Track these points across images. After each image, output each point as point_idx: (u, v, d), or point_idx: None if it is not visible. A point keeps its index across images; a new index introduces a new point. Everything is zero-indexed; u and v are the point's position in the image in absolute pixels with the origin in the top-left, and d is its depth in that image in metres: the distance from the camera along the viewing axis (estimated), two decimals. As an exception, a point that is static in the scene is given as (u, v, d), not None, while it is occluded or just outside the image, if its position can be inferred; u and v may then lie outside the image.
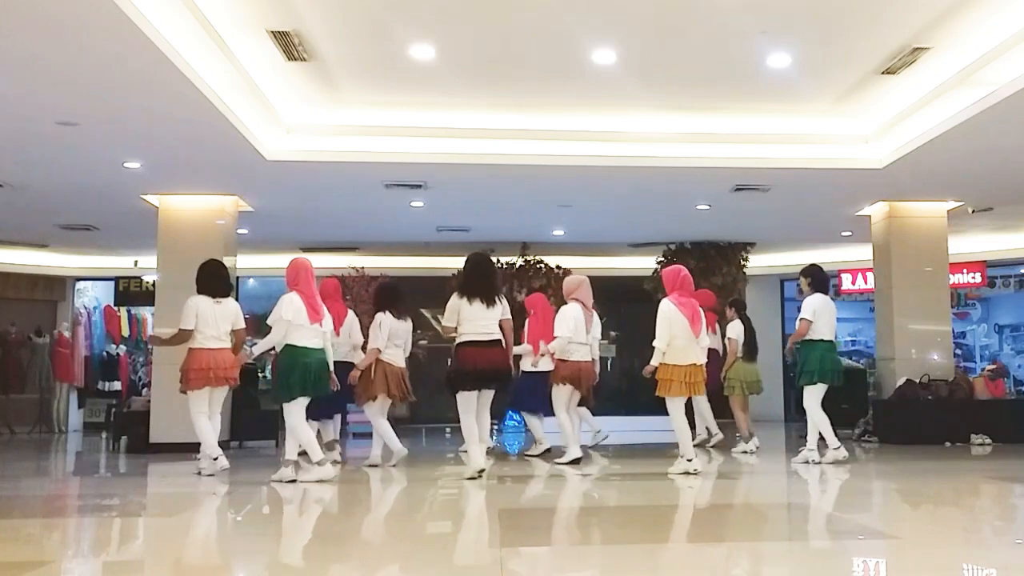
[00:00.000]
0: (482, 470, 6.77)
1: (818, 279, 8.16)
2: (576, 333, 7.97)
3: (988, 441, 9.69)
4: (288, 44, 6.92)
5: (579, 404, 8.57)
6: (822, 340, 7.92)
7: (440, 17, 6.59)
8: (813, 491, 6.84)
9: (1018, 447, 9.24)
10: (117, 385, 14.61)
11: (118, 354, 14.88)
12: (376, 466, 7.83)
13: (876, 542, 4.63)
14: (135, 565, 4.37)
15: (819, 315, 7.93)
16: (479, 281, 6.89)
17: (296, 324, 6.67)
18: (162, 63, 5.99)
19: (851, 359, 13.84)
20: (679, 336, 6.94)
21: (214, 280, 7.53)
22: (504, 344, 6.94)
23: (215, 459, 7.21)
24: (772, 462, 8.22)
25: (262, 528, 5.44)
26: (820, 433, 7.88)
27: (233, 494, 6.54)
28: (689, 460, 7.00)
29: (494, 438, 10.05)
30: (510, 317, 7.03)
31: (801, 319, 7.98)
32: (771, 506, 6.28)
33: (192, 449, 7.71)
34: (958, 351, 13.83)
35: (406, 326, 7.96)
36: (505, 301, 7.03)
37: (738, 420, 9.25)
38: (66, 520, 5.81)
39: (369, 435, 7.96)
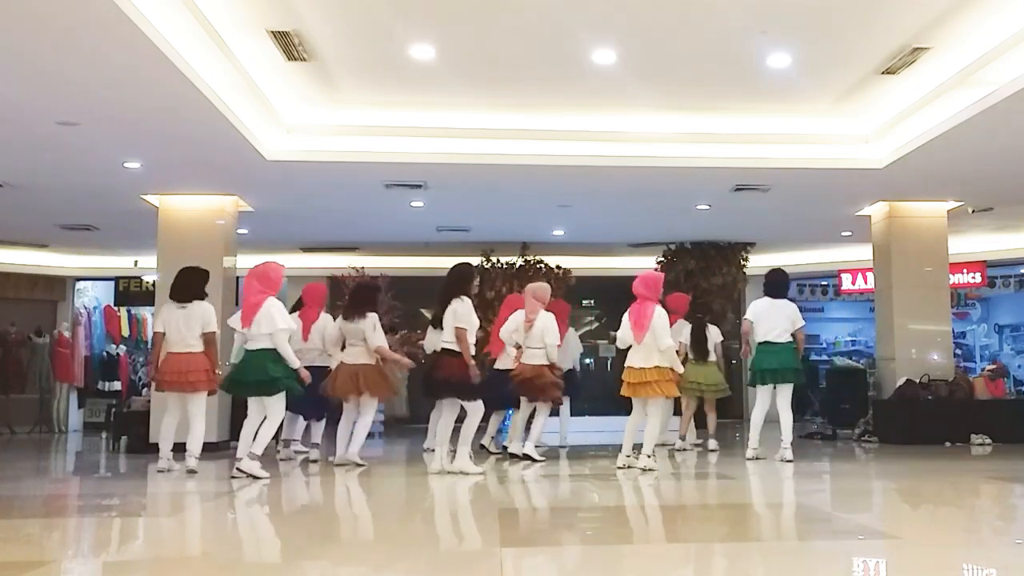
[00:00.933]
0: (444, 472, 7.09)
1: (769, 282, 8.46)
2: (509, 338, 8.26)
3: (988, 441, 9.69)
4: (288, 44, 6.92)
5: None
6: (760, 342, 8.24)
7: (440, 17, 6.59)
8: (813, 491, 6.84)
9: (1018, 447, 9.23)
10: (117, 385, 14.61)
11: (118, 354, 14.87)
12: (360, 465, 7.83)
13: (876, 542, 4.63)
14: (135, 565, 4.36)
15: (759, 316, 8.26)
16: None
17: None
18: (162, 63, 5.99)
19: (851, 359, 13.85)
20: (625, 340, 7.42)
21: (179, 285, 7.62)
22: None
23: (166, 460, 7.51)
24: (772, 462, 8.21)
25: (261, 528, 5.44)
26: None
27: (233, 494, 6.54)
28: (627, 456, 7.50)
29: (492, 438, 10.00)
30: (462, 325, 7.05)
31: (744, 319, 8.44)
32: (771, 506, 6.28)
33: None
34: (958, 351, 13.83)
35: (356, 326, 7.92)
36: (455, 308, 7.09)
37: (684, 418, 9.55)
38: (66, 520, 5.81)
39: (370, 435, 8.00)
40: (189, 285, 7.61)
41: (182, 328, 7.44)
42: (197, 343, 7.46)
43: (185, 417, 7.55)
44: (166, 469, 7.44)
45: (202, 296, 7.67)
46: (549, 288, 8.67)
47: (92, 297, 15.42)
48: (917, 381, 10.15)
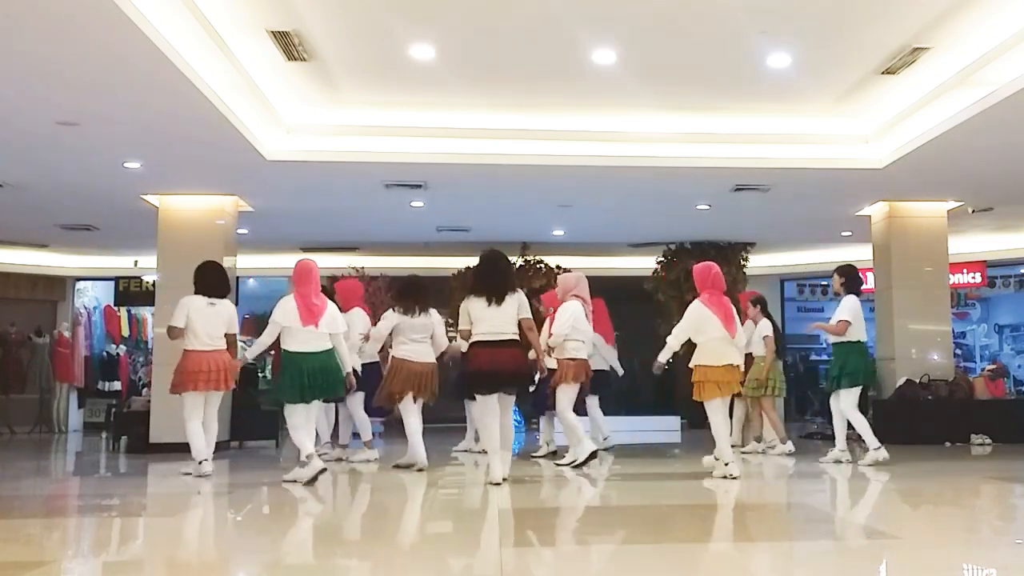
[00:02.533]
0: (498, 483, 6.40)
1: (853, 279, 8.07)
2: (575, 330, 7.69)
3: (988, 441, 9.68)
4: (288, 44, 6.92)
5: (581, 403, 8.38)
6: (859, 342, 7.88)
7: (440, 17, 6.58)
8: (813, 491, 6.84)
9: (1018, 447, 9.24)
10: (117, 385, 14.61)
11: (118, 354, 14.88)
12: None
13: (876, 542, 4.63)
14: (135, 565, 4.37)
15: (856, 317, 7.86)
16: (484, 279, 6.64)
17: (288, 327, 6.65)
18: (162, 63, 5.99)
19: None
20: (714, 336, 6.83)
21: (211, 281, 7.36)
22: (525, 344, 6.69)
23: (200, 463, 7.06)
24: (773, 462, 8.21)
25: (262, 528, 5.44)
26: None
27: (233, 494, 6.54)
28: (727, 464, 6.79)
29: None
30: (529, 316, 6.65)
31: (840, 320, 7.86)
32: (771, 506, 6.29)
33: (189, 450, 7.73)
34: (958, 351, 13.82)
35: (423, 321, 7.86)
36: (523, 299, 6.65)
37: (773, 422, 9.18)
38: (66, 520, 5.81)
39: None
40: (222, 282, 7.45)
41: (212, 325, 7.21)
42: (222, 341, 7.27)
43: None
44: (205, 471, 7.10)
45: (228, 293, 7.58)
46: (577, 276, 8.20)
47: (92, 297, 15.42)
48: (917, 381, 10.15)
